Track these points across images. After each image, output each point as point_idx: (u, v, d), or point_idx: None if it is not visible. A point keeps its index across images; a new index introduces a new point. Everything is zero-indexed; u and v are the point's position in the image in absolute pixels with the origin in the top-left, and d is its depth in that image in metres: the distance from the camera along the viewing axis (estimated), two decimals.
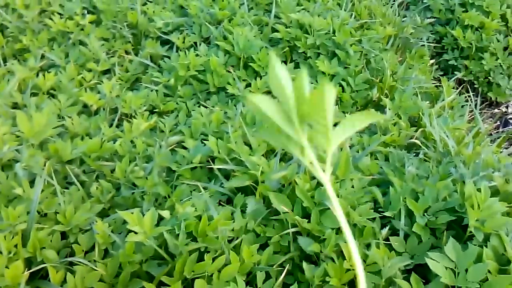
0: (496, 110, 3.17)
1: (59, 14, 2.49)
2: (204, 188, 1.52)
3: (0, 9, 2.51)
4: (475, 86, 3.18)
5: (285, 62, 2.44)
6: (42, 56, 2.23)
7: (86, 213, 1.36)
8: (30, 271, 1.20)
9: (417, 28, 3.01)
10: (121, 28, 2.49)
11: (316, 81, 2.37)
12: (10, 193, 1.35)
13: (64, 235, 1.35)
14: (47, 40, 2.33)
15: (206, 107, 2.09)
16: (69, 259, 1.27)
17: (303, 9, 2.74)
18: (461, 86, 3.12)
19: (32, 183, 1.38)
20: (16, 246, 1.23)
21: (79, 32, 2.37)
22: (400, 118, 2.19)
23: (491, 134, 2.87)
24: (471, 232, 1.34)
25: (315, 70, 2.41)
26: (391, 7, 3.28)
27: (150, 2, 2.82)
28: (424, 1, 3.43)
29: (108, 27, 2.49)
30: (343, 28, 2.50)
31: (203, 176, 1.64)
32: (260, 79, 2.26)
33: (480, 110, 3.08)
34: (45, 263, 1.23)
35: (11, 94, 1.88)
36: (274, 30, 2.55)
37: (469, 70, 3.16)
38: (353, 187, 1.52)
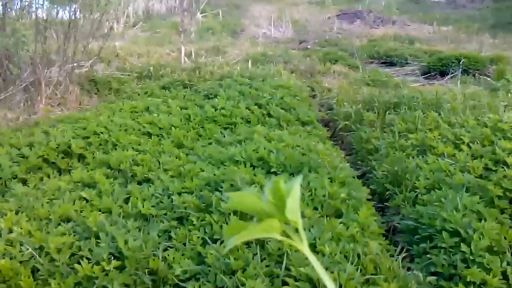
0: None
1: (88, 259, 2.71)
2: None
3: (34, 251, 2.76)
4: None
5: None
6: None
7: None
8: None
9: (419, 286, 3.14)
10: (141, 275, 2.68)
11: None
12: None
13: None
14: (73, 284, 2.50)
15: None
16: None
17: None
18: None
19: None
20: None
21: (103, 277, 2.56)
22: None
23: None
24: None
25: None
26: (396, 260, 3.46)
27: (171, 247, 3.06)
28: (427, 256, 3.63)
29: (130, 273, 2.68)
30: (349, 284, 2.66)
31: None
32: None
33: None
34: None
35: None
36: (284, 283, 2.71)
37: None
38: None
